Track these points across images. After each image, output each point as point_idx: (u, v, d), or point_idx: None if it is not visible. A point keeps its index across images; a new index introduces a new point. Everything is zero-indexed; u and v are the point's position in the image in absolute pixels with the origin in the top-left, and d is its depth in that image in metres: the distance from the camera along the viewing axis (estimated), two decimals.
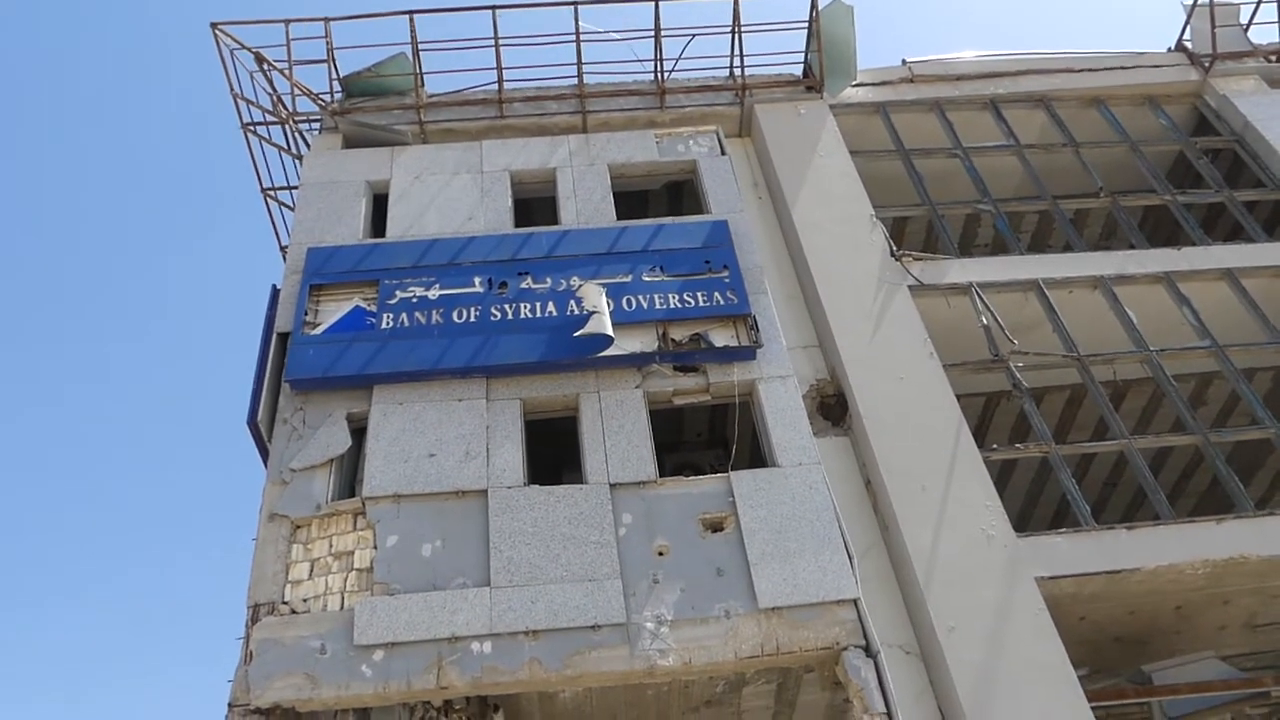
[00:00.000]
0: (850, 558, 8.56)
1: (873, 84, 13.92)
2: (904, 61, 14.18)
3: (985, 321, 10.83)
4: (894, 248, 11.54)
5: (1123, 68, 14.22)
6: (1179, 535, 9.11)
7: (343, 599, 8.32)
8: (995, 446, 10.82)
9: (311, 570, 8.59)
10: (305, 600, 8.37)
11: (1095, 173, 13.03)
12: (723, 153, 12.49)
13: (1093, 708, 7.91)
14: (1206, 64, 14.07)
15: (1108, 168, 13.42)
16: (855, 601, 8.33)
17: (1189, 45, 14.49)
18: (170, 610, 41.88)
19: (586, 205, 11.67)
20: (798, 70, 13.94)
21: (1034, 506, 13.70)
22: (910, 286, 11.09)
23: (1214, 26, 13.99)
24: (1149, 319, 11.13)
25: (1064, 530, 9.25)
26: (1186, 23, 14.45)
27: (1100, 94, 14.02)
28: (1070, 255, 12.00)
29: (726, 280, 10.49)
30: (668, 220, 11.45)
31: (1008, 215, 12.71)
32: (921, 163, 13.06)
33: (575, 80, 13.27)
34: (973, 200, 12.74)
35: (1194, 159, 13.48)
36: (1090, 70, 14.14)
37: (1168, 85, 14.16)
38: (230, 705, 7.80)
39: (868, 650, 8.13)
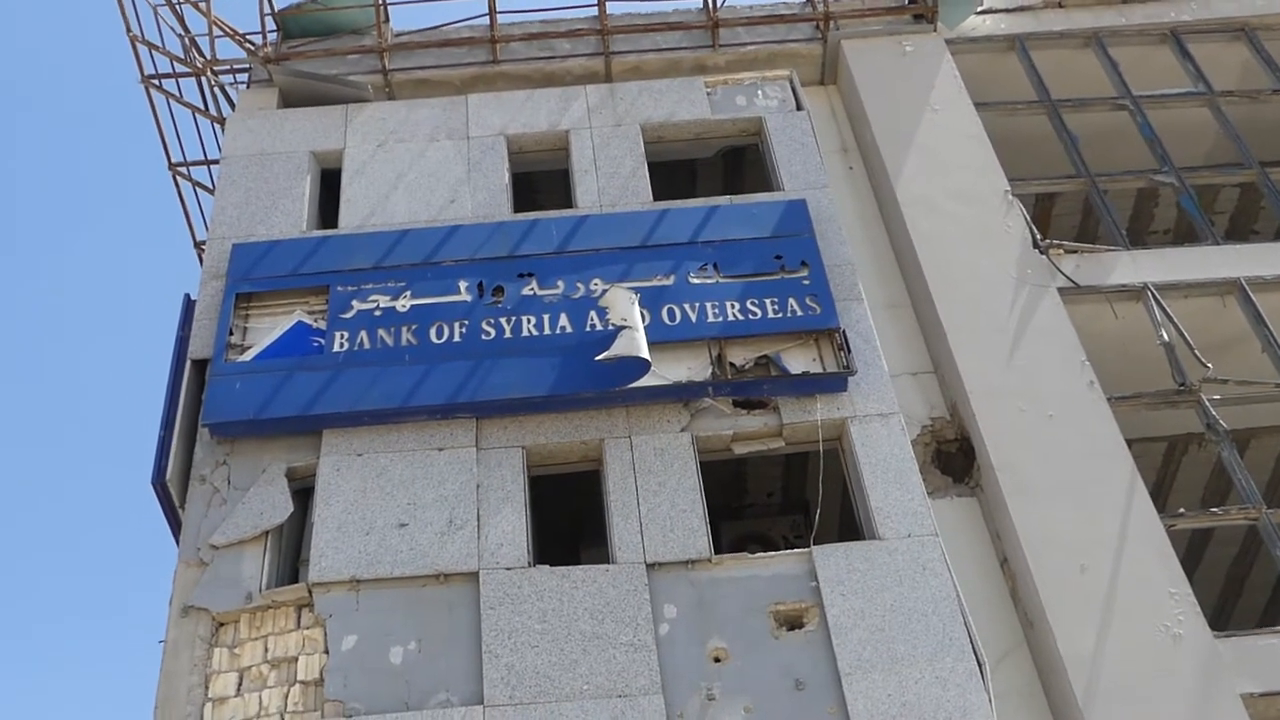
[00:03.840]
0: (981, 666, 8.60)
1: (1006, 10, 14.07)
2: None
3: (1167, 337, 10.87)
4: (1038, 235, 11.62)
5: None
6: None
7: None
8: (1182, 511, 10.82)
9: (240, 683, 8.74)
10: None
11: None
12: (799, 107, 12.64)
13: None
14: None
15: None
16: None
17: None
18: None
19: (612, 181, 11.86)
20: None
21: (1238, 595, 13.66)
22: (1061, 289, 11.16)
23: None
24: None
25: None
26: None
27: None
28: None
29: (805, 282, 10.62)
30: (724, 201, 11.62)
31: (1197, 190, 12.75)
32: (1075, 118, 13.16)
33: (595, 10, 13.49)
34: (1148, 170, 12.80)
35: None
36: None
37: None
38: None
39: None
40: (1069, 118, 13.14)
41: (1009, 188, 12.03)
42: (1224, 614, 13.44)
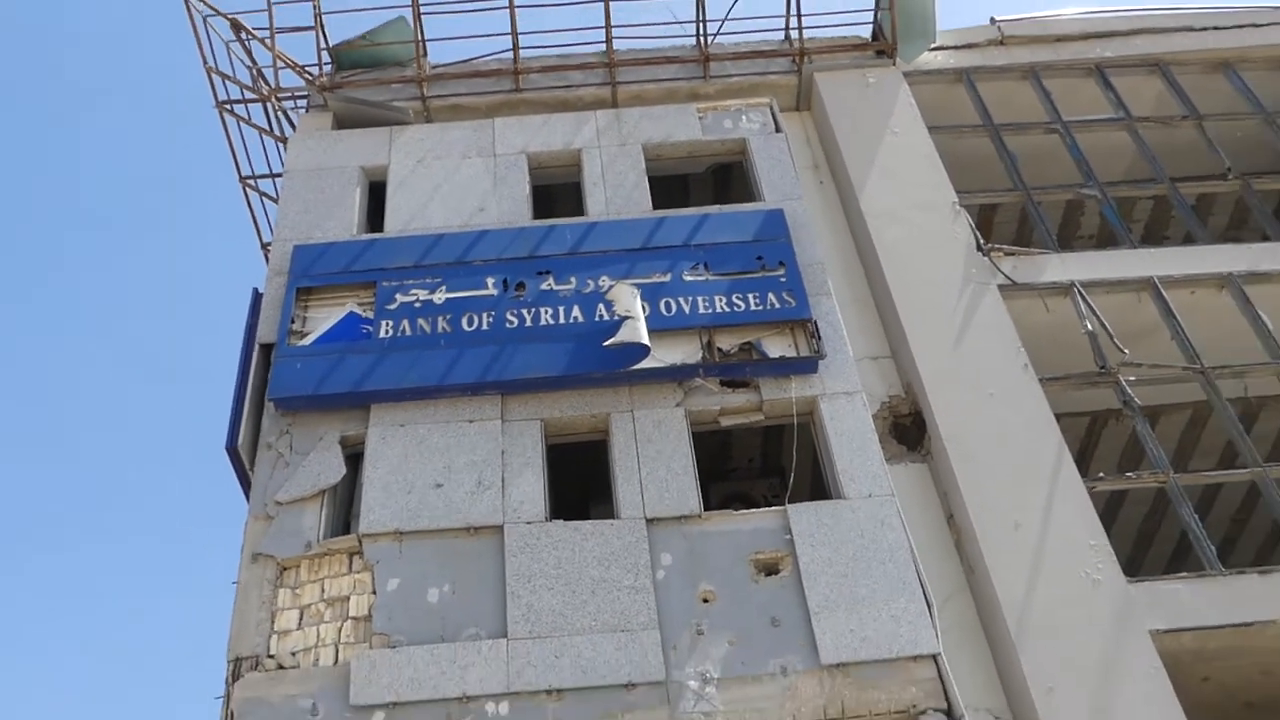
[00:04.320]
0: (929, 606, 8.67)
1: (955, 47, 14.06)
2: (992, 20, 14.30)
3: (1090, 327, 10.93)
4: (981, 240, 11.66)
5: (1255, 25, 14.25)
6: None
7: (337, 652, 8.54)
8: (1102, 475, 10.90)
9: (301, 619, 8.83)
10: (294, 653, 8.61)
11: (1222, 151, 13.07)
12: (777, 129, 12.66)
13: None
14: None
15: (1237, 145, 13.45)
16: (935, 658, 8.42)
17: None
18: (140, 664, 42.51)
19: (617, 193, 11.90)
20: (865, 32, 14.09)
21: (1148, 547, 13.76)
22: (1001, 286, 11.21)
23: None
24: None
25: (1184, 575, 9.32)
26: None
27: (1228, 57, 14.07)
28: (1192, 249, 12.09)
29: (783, 279, 10.67)
30: (713, 209, 11.65)
31: (1117, 201, 12.79)
32: (1014, 140, 13.19)
33: (603, 46, 13.53)
34: (1075, 184, 12.84)
35: None
36: (1216, 29, 14.19)
37: None
38: None
39: (950, 714, 8.21)
40: (1008, 139, 13.16)
41: (956, 199, 12.06)
42: (1136, 563, 13.52)
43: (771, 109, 12.93)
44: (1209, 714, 9.25)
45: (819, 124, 13.43)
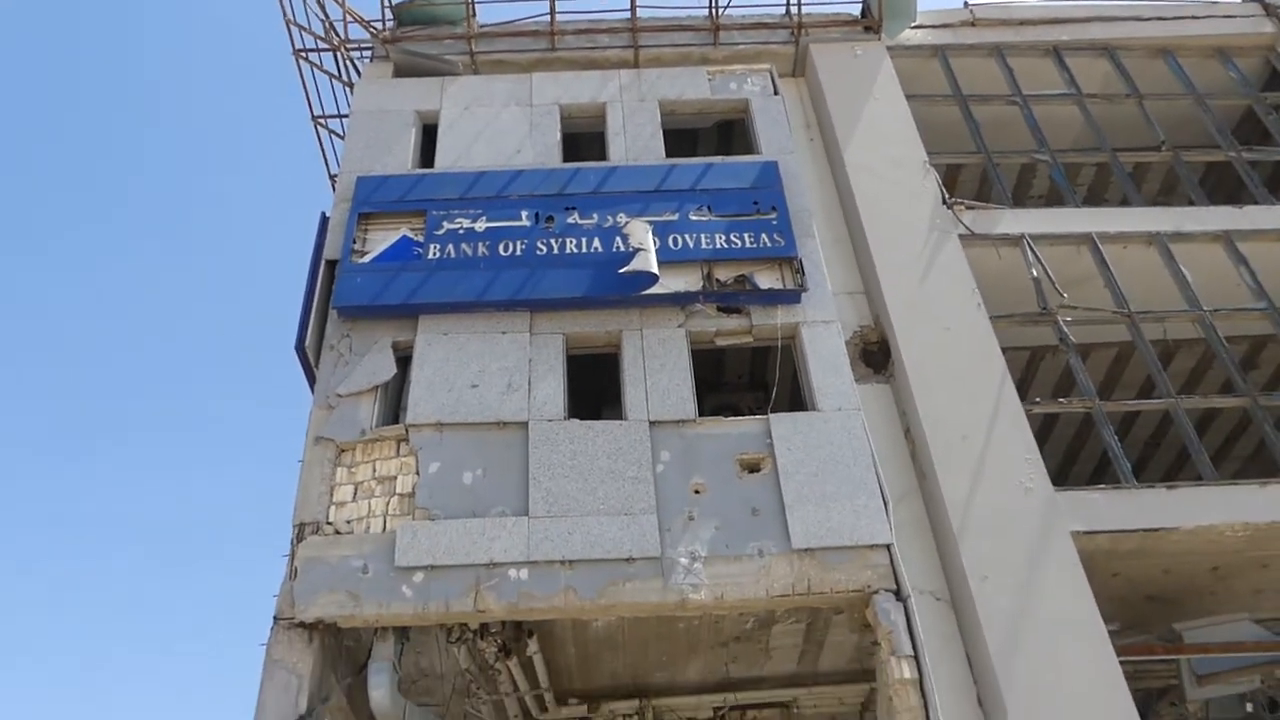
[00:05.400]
0: (885, 503, 8.68)
1: (932, 26, 13.69)
2: (965, 4, 13.90)
3: (1035, 274, 10.76)
4: (946, 195, 11.45)
5: (1193, 17, 13.87)
6: (1221, 496, 9.11)
7: (385, 522, 8.59)
8: (1038, 400, 10.83)
9: (355, 493, 8.85)
10: (349, 522, 8.65)
11: (1158, 126, 12.79)
12: (775, 92, 12.39)
13: (1121, 662, 8.01)
14: None
15: (1171, 121, 13.17)
16: (888, 547, 8.46)
17: None
18: (219, 527, 43.25)
19: (636, 142, 11.68)
20: (855, 10, 13.73)
21: (1074, 463, 13.74)
22: (961, 235, 11.03)
23: None
24: (1204, 278, 11.00)
25: (1103, 486, 9.29)
26: None
27: (1168, 44, 13.70)
28: (1126, 210, 11.86)
29: (774, 222, 10.50)
30: (717, 159, 11.44)
31: (1065, 167, 12.54)
32: (979, 109, 12.90)
33: (628, 14, 13.21)
34: (1029, 150, 12.57)
35: (1263, 114, 13.18)
36: (1159, 19, 13.81)
37: (1240, 37, 13.80)
38: (276, 618, 8.13)
39: (898, 595, 8.28)
40: (974, 109, 12.87)
41: (927, 159, 11.82)
42: (1063, 476, 13.49)
43: (771, 74, 12.64)
44: (1116, 603, 9.30)
45: (812, 89, 13.12)
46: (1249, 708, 9.74)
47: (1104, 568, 8.99)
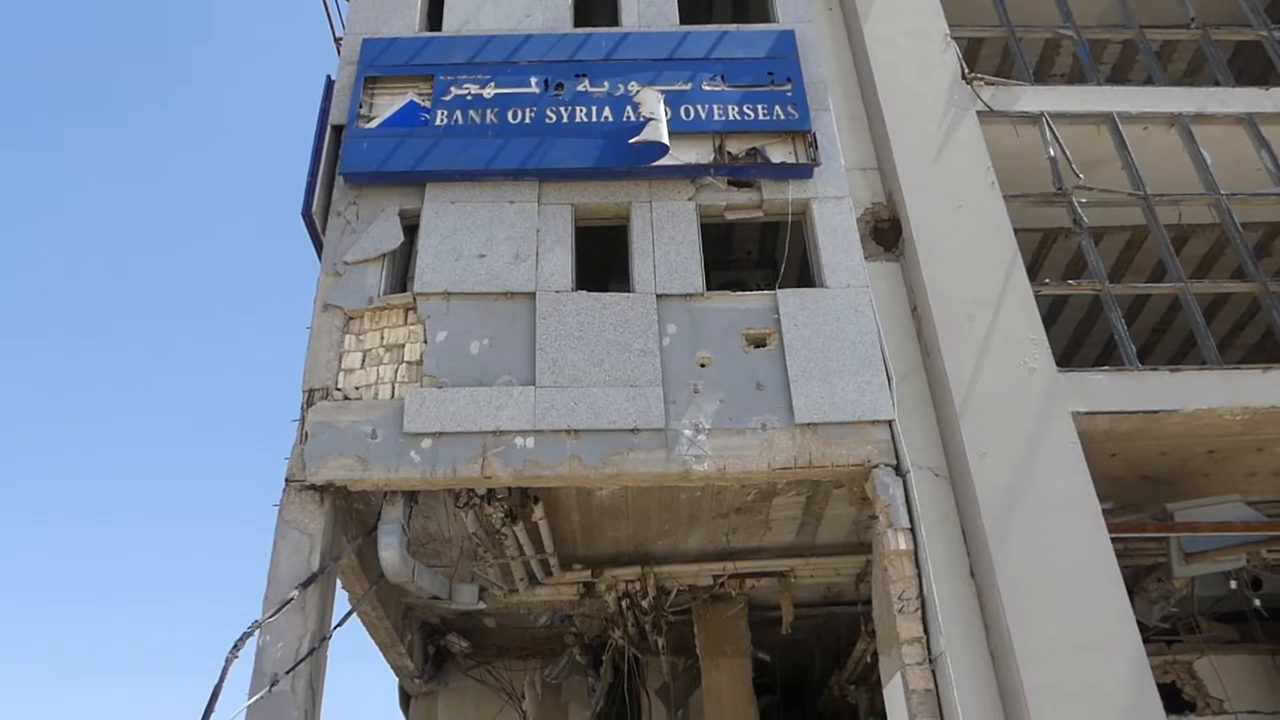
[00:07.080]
0: (889, 380, 8.76)
1: None
2: None
3: (1053, 153, 10.58)
4: (966, 70, 11.15)
5: None
6: (1222, 381, 9.15)
7: (393, 388, 8.70)
8: (1047, 281, 10.79)
9: (364, 360, 8.94)
10: (357, 388, 8.76)
11: (1189, 3, 12.38)
12: None
13: (1112, 538, 8.20)
14: None
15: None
16: (890, 423, 8.57)
17: None
18: (231, 391, 43.84)
19: (649, 7, 11.34)
20: None
21: (1080, 345, 13.77)
22: (979, 112, 10.77)
23: None
24: (1224, 162, 10.79)
25: (1106, 368, 9.33)
26: None
27: None
28: (1150, 89, 11.56)
29: (788, 94, 10.29)
30: (732, 27, 11.11)
31: (1090, 43, 12.18)
32: None
33: None
34: (1054, 25, 12.21)
35: None
36: None
37: None
38: (287, 480, 8.32)
39: (898, 470, 8.43)
40: None
41: (948, 31, 11.46)
42: (1068, 358, 13.55)
43: None
44: (1112, 483, 9.44)
45: None
46: (1232, 584, 10.01)
47: (1102, 448, 9.10)
